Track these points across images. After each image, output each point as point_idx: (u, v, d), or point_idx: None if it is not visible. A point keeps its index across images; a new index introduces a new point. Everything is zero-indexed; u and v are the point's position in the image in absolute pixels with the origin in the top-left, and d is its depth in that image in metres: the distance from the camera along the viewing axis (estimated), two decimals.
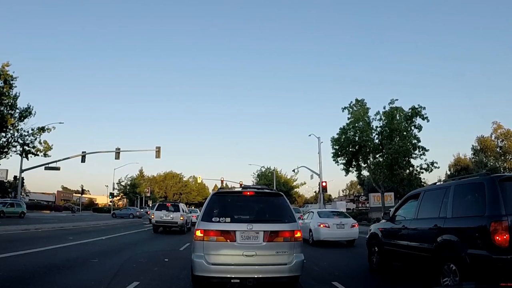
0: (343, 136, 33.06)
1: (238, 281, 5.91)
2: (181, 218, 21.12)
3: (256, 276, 5.87)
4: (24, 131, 33.37)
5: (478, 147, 56.77)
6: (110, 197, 71.61)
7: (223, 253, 5.93)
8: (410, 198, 8.19)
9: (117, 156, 40.93)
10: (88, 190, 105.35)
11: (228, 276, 5.90)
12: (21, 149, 33.90)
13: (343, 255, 12.45)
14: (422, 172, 31.32)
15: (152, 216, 22.26)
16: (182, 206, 23.49)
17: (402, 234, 7.67)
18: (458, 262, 5.70)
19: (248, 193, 6.82)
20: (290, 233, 6.08)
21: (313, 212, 16.96)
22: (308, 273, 8.23)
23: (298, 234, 6.20)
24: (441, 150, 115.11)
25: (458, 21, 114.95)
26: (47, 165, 39.18)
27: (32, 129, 33.67)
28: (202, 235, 6.00)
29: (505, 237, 5.14)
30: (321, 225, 15.02)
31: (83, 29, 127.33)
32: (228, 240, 5.94)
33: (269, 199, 6.88)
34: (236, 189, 7.61)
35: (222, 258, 5.91)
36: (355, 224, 15.74)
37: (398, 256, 7.94)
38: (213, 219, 6.15)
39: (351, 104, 33.74)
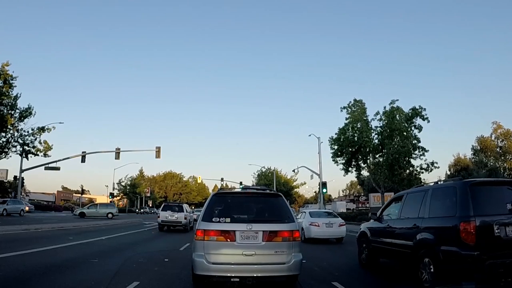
0: (342, 136, 33.05)
1: (237, 280, 6.02)
2: (185, 218, 22.53)
3: (255, 275, 5.98)
4: (24, 131, 33.48)
5: (478, 147, 56.79)
6: (110, 197, 71.62)
7: (223, 253, 6.01)
8: (395, 200, 8.87)
9: (117, 156, 40.97)
10: (88, 190, 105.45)
11: (228, 275, 6.00)
12: (21, 149, 33.96)
13: (343, 255, 12.45)
14: (422, 172, 31.40)
15: (158, 216, 23.64)
16: (185, 206, 24.80)
17: (387, 233, 8.32)
18: (433, 257, 6.37)
19: (248, 194, 7.03)
20: (288, 233, 6.16)
21: (305, 212, 18.29)
22: (308, 273, 8.24)
23: (297, 234, 6.28)
24: (441, 150, 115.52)
25: (458, 21, 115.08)
26: (47, 165, 39.22)
27: (32, 129, 33.80)
28: (202, 235, 6.08)
29: (472, 235, 5.77)
30: (312, 224, 16.30)
31: (83, 29, 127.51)
32: (228, 240, 6.02)
33: (268, 199, 6.96)
34: (235, 190, 7.87)
35: (222, 258, 5.99)
36: (343, 224, 17.09)
37: (384, 252, 8.59)
38: (213, 219, 6.23)
39: (350, 104, 33.75)
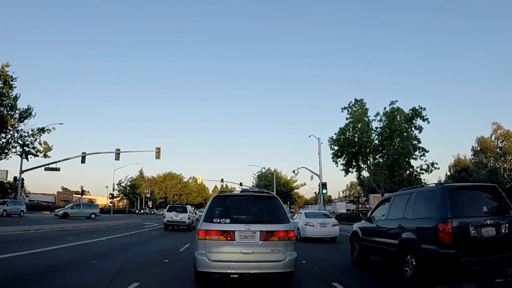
0: (342, 137, 32.97)
1: (237, 276, 6.39)
2: (188, 218, 24.62)
3: (253, 272, 6.38)
4: (24, 132, 33.43)
5: (478, 148, 56.70)
6: (110, 197, 71.58)
7: (223, 251, 6.41)
8: (384, 202, 9.54)
9: (117, 157, 40.94)
10: (88, 191, 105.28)
11: (228, 271, 6.39)
12: (21, 150, 33.91)
13: (343, 256, 12.41)
14: (422, 173, 31.28)
15: (164, 217, 25.58)
16: (189, 208, 27.05)
17: (376, 232, 8.93)
18: (415, 254, 6.97)
19: (246, 196, 7.73)
20: (284, 233, 6.58)
21: (301, 213, 19.39)
22: (309, 273, 8.30)
23: (292, 234, 6.72)
24: (441, 150, 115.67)
25: (458, 21, 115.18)
26: (47, 166, 39.18)
27: (32, 130, 33.75)
28: (204, 234, 6.49)
29: (449, 235, 6.37)
30: (307, 224, 17.21)
31: (83, 30, 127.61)
32: (228, 239, 6.43)
33: (265, 201, 7.39)
34: (235, 192, 8.57)
35: (222, 256, 6.40)
36: (336, 224, 18.00)
37: (373, 250, 9.16)
38: (214, 220, 6.63)
39: (350, 104, 33.66)
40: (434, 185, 7.96)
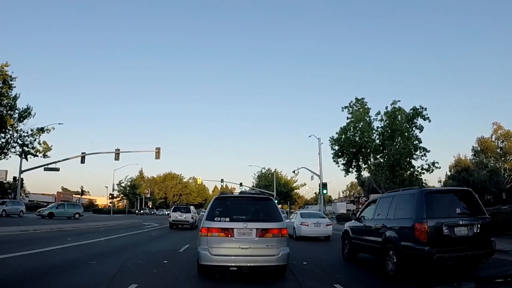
0: (343, 136, 32.80)
1: (235, 269, 7.11)
2: (192, 218, 26.69)
3: (249, 265, 7.09)
4: (24, 131, 33.35)
5: (479, 148, 56.66)
6: (110, 198, 71.53)
7: (223, 246, 7.12)
8: (371, 203, 10.28)
9: (117, 157, 40.88)
10: (88, 191, 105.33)
11: (227, 264, 7.13)
12: (20, 150, 33.84)
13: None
14: (423, 173, 31.09)
15: (169, 217, 27.81)
16: (192, 208, 29.32)
17: (364, 231, 9.72)
18: (396, 250, 7.74)
19: (244, 197, 8.60)
20: (278, 230, 7.29)
21: (297, 213, 20.77)
22: (309, 274, 8.27)
23: (285, 231, 7.42)
24: (441, 150, 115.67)
25: (458, 21, 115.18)
26: (46, 166, 39.09)
27: (32, 130, 33.68)
28: (206, 232, 7.22)
29: (424, 234, 7.14)
30: (302, 224, 18.16)
31: (83, 30, 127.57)
32: (228, 236, 7.12)
33: (261, 202, 8.13)
34: (234, 194, 9.49)
35: (222, 250, 7.11)
36: (330, 223, 18.94)
37: (362, 247, 9.86)
38: (215, 219, 7.33)
39: (351, 104, 33.43)
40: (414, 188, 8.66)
